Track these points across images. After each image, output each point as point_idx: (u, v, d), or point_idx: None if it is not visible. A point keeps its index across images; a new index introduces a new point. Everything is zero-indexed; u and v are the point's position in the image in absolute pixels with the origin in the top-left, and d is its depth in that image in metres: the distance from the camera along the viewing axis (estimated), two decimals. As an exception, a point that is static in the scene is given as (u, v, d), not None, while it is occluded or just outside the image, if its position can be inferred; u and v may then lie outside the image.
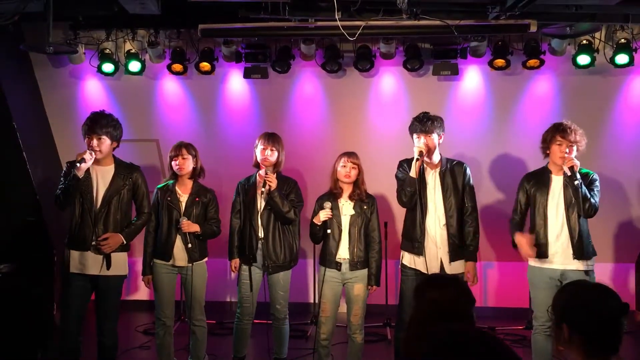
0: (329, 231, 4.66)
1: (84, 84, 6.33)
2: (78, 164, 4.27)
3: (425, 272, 4.56)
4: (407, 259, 4.68)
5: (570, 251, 4.45)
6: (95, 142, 4.35)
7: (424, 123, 4.55)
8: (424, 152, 4.53)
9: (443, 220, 4.60)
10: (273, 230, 4.79)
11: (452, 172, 4.64)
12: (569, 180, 4.41)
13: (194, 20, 5.33)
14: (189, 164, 4.80)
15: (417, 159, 4.50)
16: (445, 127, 4.69)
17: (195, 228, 4.73)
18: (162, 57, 5.97)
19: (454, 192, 4.61)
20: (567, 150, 4.43)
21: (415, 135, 4.62)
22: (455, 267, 4.58)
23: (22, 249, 6.02)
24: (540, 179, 4.60)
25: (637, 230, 6.60)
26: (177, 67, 5.85)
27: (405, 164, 4.69)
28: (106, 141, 4.39)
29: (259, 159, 4.81)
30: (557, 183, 4.54)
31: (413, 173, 4.53)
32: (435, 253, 4.59)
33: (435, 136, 4.58)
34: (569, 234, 4.46)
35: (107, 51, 5.85)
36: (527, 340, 5.87)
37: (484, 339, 1.47)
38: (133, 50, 5.89)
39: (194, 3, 4.85)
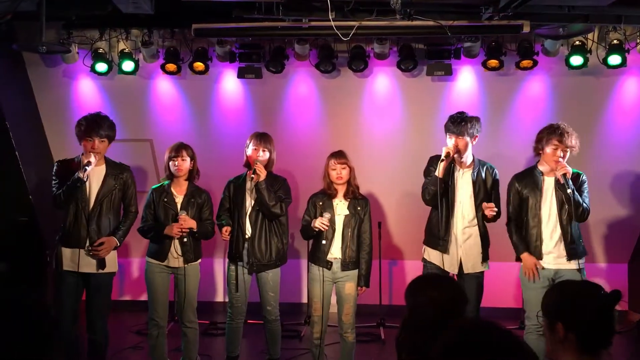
0: (324, 242, 4.66)
1: (77, 83, 6.31)
2: (87, 167, 4.38)
3: (447, 270, 4.62)
4: (430, 254, 4.71)
5: (564, 251, 4.48)
6: (97, 144, 4.46)
7: (457, 124, 4.55)
8: (451, 154, 4.54)
9: (469, 220, 4.63)
10: (260, 230, 4.79)
11: (484, 174, 4.68)
12: (561, 188, 4.44)
13: (188, 20, 5.31)
14: (187, 166, 4.82)
15: (443, 160, 4.51)
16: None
17: (192, 224, 4.73)
18: (155, 57, 5.96)
19: (484, 195, 4.64)
20: (562, 154, 4.44)
21: (447, 135, 4.63)
22: (478, 267, 4.65)
23: (14, 249, 6.00)
24: (530, 180, 4.61)
25: (630, 231, 6.63)
26: (171, 66, 5.84)
27: (436, 159, 4.67)
28: (105, 143, 4.54)
29: (250, 159, 4.82)
30: (548, 183, 4.56)
31: (438, 173, 4.53)
32: (455, 252, 4.62)
33: (467, 138, 4.56)
34: (562, 234, 4.48)
35: (101, 51, 5.83)
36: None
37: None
38: (126, 50, 5.87)
39: (188, 3, 4.85)
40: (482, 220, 4.63)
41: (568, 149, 4.45)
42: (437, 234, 4.65)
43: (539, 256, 4.51)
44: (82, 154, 4.53)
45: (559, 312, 2.13)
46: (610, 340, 2.12)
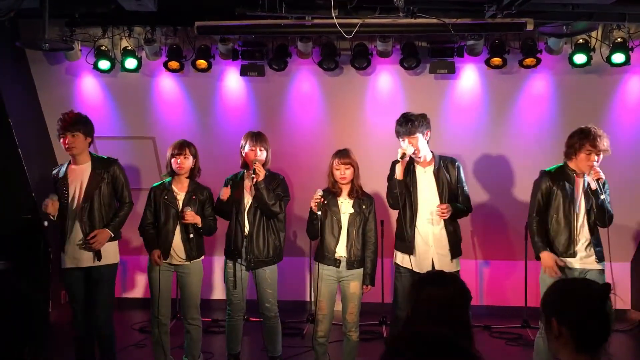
0: (319, 213, 4.63)
1: (80, 81, 6.32)
2: (44, 219, 4.63)
3: (418, 271, 4.58)
4: (400, 258, 4.69)
5: (592, 252, 4.47)
6: (69, 139, 4.56)
7: (404, 126, 4.55)
8: (407, 154, 4.55)
9: (437, 220, 4.61)
10: (258, 227, 4.80)
11: (447, 169, 4.66)
12: (594, 194, 4.41)
13: (191, 17, 5.31)
14: (189, 163, 4.82)
15: (398, 161, 4.54)
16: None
17: (198, 220, 4.75)
18: (158, 55, 5.96)
19: (449, 191, 4.62)
20: (596, 158, 4.39)
21: (400, 140, 4.64)
22: (453, 266, 4.61)
23: (17, 246, 6.01)
24: (564, 180, 4.52)
25: (633, 230, 6.62)
26: (174, 64, 5.84)
27: (396, 164, 4.69)
28: (80, 137, 4.60)
29: (247, 159, 4.82)
30: (579, 184, 4.52)
31: (397, 175, 4.56)
32: (426, 252, 4.60)
33: (419, 136, 4.57)
34: (590, 235, 4.48)
35: (104, 48, 5.84)
36: (523, 339, 5.90)
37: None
38: (129, 48, 5.88)
39: (191, 0, 4.85)
40: (450, 218, 4.59)
41: (601, 153, 4.40)
42: (404, 236, 4.63)
43: (572, 254, 4.47)
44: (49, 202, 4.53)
45: (553, 307, 2.14)
46: (607, 337, 2.10)
